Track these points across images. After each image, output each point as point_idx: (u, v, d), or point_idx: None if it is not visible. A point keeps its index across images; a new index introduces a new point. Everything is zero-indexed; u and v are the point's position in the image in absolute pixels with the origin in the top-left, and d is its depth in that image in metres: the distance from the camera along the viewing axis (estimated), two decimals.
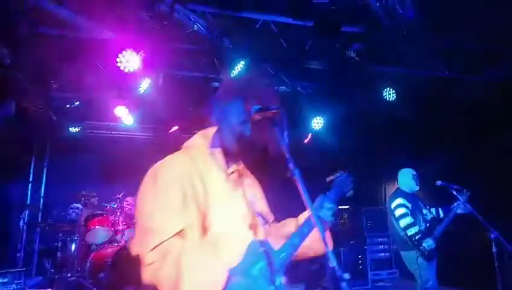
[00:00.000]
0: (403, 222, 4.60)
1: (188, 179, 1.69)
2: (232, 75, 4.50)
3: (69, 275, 5.92)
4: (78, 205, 6.39)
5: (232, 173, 1.87)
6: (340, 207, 7.82)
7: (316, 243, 1.91)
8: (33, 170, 7.90)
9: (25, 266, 7.06)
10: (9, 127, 5.94)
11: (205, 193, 1.71)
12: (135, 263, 1.59)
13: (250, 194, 1.93)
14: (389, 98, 5.84)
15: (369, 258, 7.24)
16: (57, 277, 6.01)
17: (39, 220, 7.35)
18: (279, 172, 1.72)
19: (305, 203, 1.65)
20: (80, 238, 6.12)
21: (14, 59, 4.62)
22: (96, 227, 5.95)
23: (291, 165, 1.69)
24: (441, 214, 4.87)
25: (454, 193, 4.78)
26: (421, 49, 4.89)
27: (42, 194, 7.92)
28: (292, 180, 1.67)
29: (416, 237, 4.49)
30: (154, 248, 1.52)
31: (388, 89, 5.78)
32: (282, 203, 2.20)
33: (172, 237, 1.56)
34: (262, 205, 2.05)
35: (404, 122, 6.48)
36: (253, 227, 1.82)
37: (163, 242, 1.53)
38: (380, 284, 7.19)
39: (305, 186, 1.67)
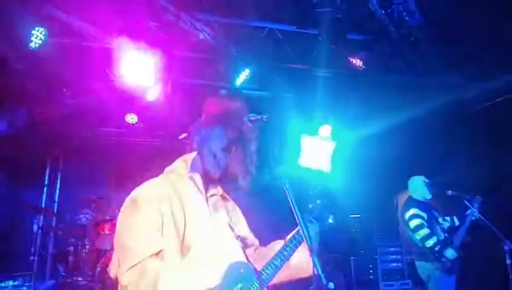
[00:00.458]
0: (419, 234, 4.48)
1: (167, 203, 1.72)
2: (237, 83, 4.56)
3: (79, 279, 6.00)
4: (88, 211, 6.49)
5: (212, 196, 1.91)
6: (351, 215, 7.76)
7: (305, 263, 1.92)
8: (48, 175, 8.08)
9: (39, 269, 7.21)
10: (24, 133, 6.12)
11: (184, 216, 1.74)
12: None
13: (232, 218, 1.97)
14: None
15: (381, 268, 7.11)
16: (68, 280, 6.09)
17: (53, 224, 7.48)
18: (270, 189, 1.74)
19: (294, 213, 1.67)
20: (90, 243, 6.21)
21: (28, 67, 4.77)
22: (106, 232, 6.03)
23: (278, 173, 1.71)
24: (456, 222, 4.74)
25: (466, 202, 4.70)
26: (430, 56, 4.83)
27: (56, 199, 8.08)
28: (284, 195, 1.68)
29: (436, 248, 4.37)
30: (131, 268, 1.54)
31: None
32: (274, 223, 2.21)
33: (149, 257, 1.58)
34: (244, 229, 2.08)
35: (416, 130, 6.39)
36: (234, 249, 1.84)
37: (140, 262, 1.55)
38: None
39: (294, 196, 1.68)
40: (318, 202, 2.09)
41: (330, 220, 2.07)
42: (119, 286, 1.58)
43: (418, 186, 4.82)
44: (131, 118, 6.15)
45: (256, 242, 2.11)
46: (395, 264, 7.28)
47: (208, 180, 1.90)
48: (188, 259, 1.67)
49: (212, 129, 1.86)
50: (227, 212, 1.96)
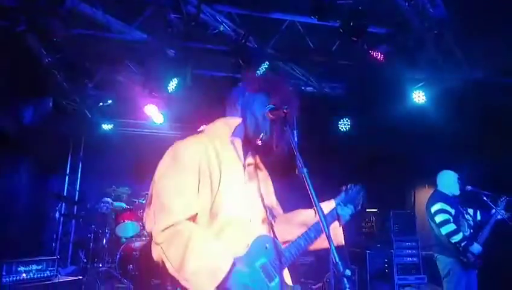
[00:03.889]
0: (445, 229, 4.39)
1: (206, 163, 1.75)
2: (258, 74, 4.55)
3: (100, 265, 6.17)
4: (109, 199, 6.62)
5: (249, 165, 1.92)
6: (367, 210, 7.73)
7: (334, 233, 1.95)
8: (70, 164, 8.28)
9: (61, 255, 7.42)
10: (48, 123, 6.28)
11: (220, 179, 1.76)
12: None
13: (263, 188, 1.99)
14: (419, 100, 5.70)
15: (396, 262, 7.08)
16: (88, 266, 6.26)
17: (74, 212, 7.68)
18: (289, 169, 1.76)
19: (313, 203, 1.68)
20: (110, 231, 6.36)
21: (52, 59, 4.89)
22: (126, 221, 6.17)
23: (299, 164, 1.72)
24: (478, 217, 4.67)
25: (485, 198, 4.64)
26: (453, 51, 4.73)
27: (77, 188, 8.27)
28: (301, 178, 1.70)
29: (462, 244, 4.30)
30: (165, 229, 1.59)
31: (418, 91, 5.64)
32: (291, 199, 2.24)
33: (184, 219, 1.62)
34: (272, 200, 2.11)
35: (435, 126, 6.29)
36: (262, 220, 1.87)
37: (174, 224, 1.59)
38: (407, 289, 7.01)
39: (313, 186, 1.69)
40: (349, 187, 2.14)
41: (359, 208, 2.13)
42: (152, 242, 1.63)
43: (450, 181, 4.67)
44: (151, 110, 6.22)
45: (280, 212, 2.14)
46: (411, 259, 7.23)
47: (248, 148, 1.93)
48: (218, 224, 1.71)
49: (257, 93, 1.91)
50: (259, 181, 1.97)
